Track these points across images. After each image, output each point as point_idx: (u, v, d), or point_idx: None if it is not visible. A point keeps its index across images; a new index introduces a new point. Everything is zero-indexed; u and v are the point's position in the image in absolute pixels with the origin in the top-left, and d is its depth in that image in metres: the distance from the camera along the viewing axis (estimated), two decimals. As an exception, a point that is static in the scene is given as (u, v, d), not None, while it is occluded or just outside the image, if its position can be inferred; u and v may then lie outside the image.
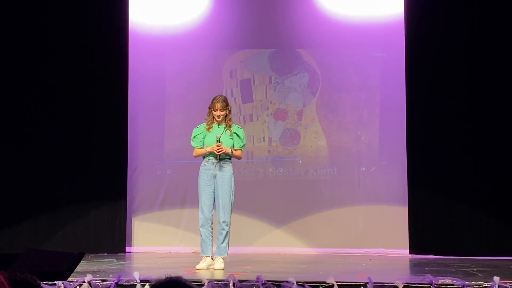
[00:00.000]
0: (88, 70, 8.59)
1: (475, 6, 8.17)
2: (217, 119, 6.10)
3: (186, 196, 8.39)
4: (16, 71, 8.57)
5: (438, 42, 8.22)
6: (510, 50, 8.08)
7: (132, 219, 8.67)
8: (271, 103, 8.82)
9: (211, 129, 6.11)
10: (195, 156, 6.24)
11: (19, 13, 8.57)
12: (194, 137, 6.20)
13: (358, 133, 8.66)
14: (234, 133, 6.14)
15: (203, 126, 6.21)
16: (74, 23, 8.59)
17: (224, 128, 6.13)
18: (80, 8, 8.61)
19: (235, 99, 8.77)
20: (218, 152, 5.99)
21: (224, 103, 6.12)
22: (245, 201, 8.35)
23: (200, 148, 6.17)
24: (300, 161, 8.71)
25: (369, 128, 8.62)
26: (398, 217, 8.29)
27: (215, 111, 6.10)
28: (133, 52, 8.72)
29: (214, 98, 6.19)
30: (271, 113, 8.79)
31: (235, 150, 6.14)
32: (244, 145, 6.21)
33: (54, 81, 8.59)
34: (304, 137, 8.73)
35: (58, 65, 8.60)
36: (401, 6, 8.45)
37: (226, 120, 6.14)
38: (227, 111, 6.14)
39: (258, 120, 8.79)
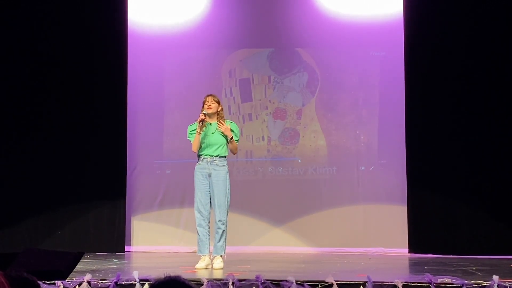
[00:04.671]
0: (88, 69, 8.60)
1: (474, 6, 8.18)
2: (208, 110, 6.11)
3: (185, 196, 8.35)
4: (15, 71, 8.57)
5: (437, 41, 8.22)
6: (510, 50, 8.08)
7: (131, 218, 8.68)
8: (270, 102, 8.82)
9: (204, 128, 6.11)
10: (194, 151, 6.21)
11: (19, 13, 8.57)
12: (190, 133, 6.20)
13: (357, 132, 8.66)
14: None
15: (196, 123, 6.20)
16: (73, 23, 8.60)
17: (217, 125, 6.14)
18: (79, 8, 8.61)
19: (234, 98, 8.77)
20: (205, 116, 6.05)
21: (215, 98, 6.20)
22: (244, 201, 8.36)
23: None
24: (299, 161, 8.71)
25: (368, 127, 8.62)
26: (397, 216, 8.29)
27: (206, 103, 6.14)
28: (132, 52, 8.73)
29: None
30: (270, 113, 8.79)
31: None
32: (238, 139, 6.23)
33: (53, 80, 8.59)
34: (303, 137, 8.73)
35: (57, 64, 8.60)
36: (400, 6, 8.46)
37: (218, 117, 6.16)
38: (219, 108, 6.18)
39: (257, 119, 8.79)
